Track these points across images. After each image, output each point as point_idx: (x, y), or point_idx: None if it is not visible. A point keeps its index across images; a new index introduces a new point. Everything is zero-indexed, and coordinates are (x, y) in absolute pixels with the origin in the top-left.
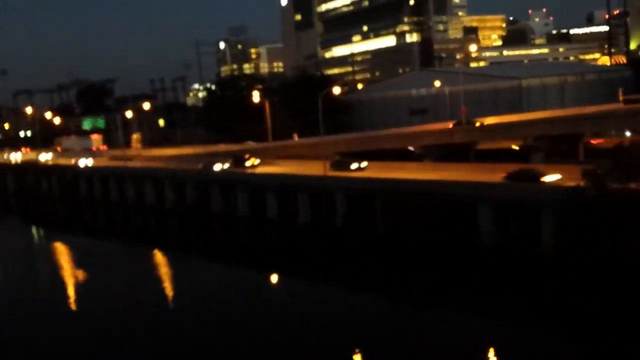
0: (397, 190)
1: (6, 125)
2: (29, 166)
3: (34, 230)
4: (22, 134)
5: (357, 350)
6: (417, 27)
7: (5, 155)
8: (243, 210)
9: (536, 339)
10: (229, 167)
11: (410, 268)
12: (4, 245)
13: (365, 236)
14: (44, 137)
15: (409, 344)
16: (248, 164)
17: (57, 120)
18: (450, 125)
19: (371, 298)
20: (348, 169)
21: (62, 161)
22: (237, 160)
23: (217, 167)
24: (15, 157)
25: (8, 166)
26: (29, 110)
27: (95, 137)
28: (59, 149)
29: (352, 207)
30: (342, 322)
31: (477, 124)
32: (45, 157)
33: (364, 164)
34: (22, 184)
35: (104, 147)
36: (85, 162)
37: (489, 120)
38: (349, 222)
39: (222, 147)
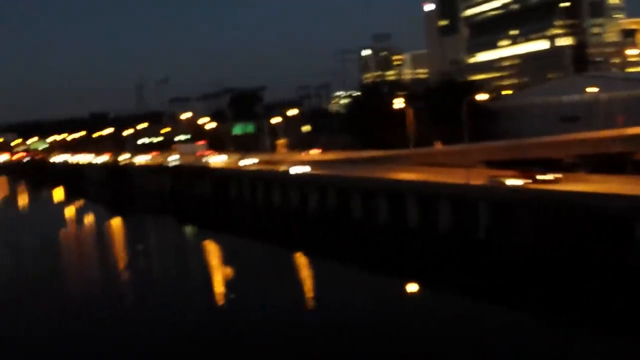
0: (544, 202)
1: (165, 130)
2: (185, 169)
3: (187, 228)
4: (178, 138)
5: None
6: (571, 30)
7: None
8: (382, 217)
9: None
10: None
11: (555, 285)
12: (159, 241)
13: (508, 248)
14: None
15: None
16: None
17: (210, 126)
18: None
19: (520, 316)
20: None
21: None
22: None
23: None
24: (173, 159)
25: (166, 168)
26: (185, 115)
27: (200, 144)
28: (174, 152)
29: (496, 217)
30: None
31: None
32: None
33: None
34: (177, 185)
35: (208, 152)
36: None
37: None
38: (492, 233)
39: (366, 154)
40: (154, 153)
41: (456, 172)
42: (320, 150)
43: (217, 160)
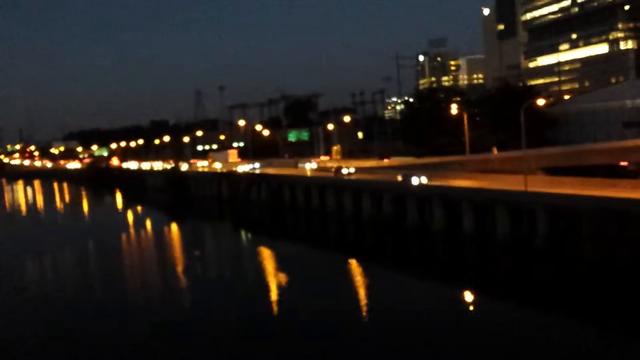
0: (605, 210)
1: (221, 137)
2: (239, 175)
3: (243, 234)
4: (235, 144)
5: None
6: (633, 33)
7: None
8: (438, 224)
9: None
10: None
11: (616, 295)
12: (214, 246)
13: (567, 259)
14: (254, 148)
15: None
16: None
17: (266, 133)
18: None
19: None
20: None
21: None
22: None
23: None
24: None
25: (222, 175)
26: (241, 122)
27: (231, 152)
28: (210, 160)
29: (555, 226)
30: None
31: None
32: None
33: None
34: (234, 191)
35: (238, 160)
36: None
37: None
38: (550, 243)
39: (421, 160)
40: (194, 161)
41: (511, 179)
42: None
43: (245, 168)
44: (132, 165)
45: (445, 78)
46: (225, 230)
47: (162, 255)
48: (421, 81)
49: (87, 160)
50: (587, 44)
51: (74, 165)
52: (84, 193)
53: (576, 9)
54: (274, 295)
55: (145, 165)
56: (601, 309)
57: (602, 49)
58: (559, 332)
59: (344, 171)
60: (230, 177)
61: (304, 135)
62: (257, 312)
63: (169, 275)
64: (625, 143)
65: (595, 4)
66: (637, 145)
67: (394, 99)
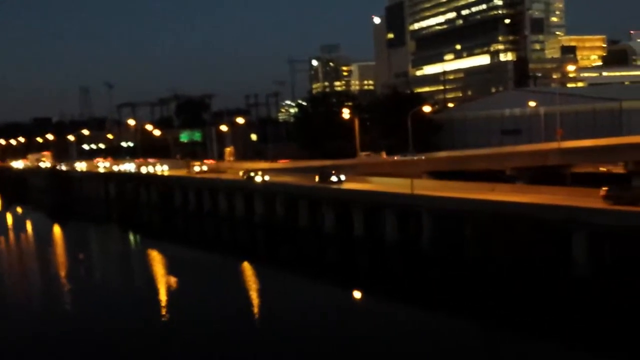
0: (485, 213)
1: (110, 136)
2: (129, 176)
3: (130, 236)
4: (124, 144)
5: None
6: (512, 46)
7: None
8: (329, 227)
9: None
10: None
11: (497, 294)
12: (101, 250)
13: (452, 259)
14: (144, 148)
15: None
16: (334, 179)
17: (157, 133)
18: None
19: (458, 323)
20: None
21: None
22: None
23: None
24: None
25: (111, 175)
26: (131, 122)
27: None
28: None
29: (440, 228)
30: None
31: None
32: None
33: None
34: (122, 193)
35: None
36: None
37: (586, 143)
38: (436, 245)
39: (314, 162)
40: (98, 159)
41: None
42: (286, 161)
43: (129, 167)
44: (18, 164)
45: (337, 83)
46: (112, 232)
47: (40, 259)
48: (314, 85)
49: None
50: (470, 54)
51: None
52: None
53: (460, 21)
54: (160, 299)
55: (18, 164)
56: (480, 307)
57: (484, 60)
58: (438, 329)
59: (258, 179)
60: (117, 177)
61: (197, 136)
62: (143, 317)
63: (47, 281)
64: (503, 149)
65: (478, 17)
66: (514, 152)
67: (288, 102)
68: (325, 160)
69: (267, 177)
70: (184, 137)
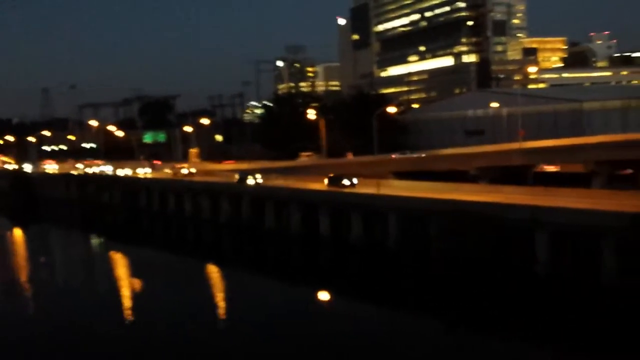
0: (450, 212)
1: (71, 137)
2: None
3: (94, 239)
4: (86, 145)
5: None
6: (475, 47)
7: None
8: (295, 227)
9: None
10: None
11: (462, 292)
12: (64, 252)
13: (417, 258)
14: (107, 150)
15: None
16: None
17: (120, 134)
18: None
19: (422, 322)
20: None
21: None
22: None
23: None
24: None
25: (72, 177)
26: (93, 123)
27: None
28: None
29: (405, 228)
30: (389, 344)
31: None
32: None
33: (355, 180)
34: (84, 194)
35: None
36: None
37: (548, 143)
38: (402, 244)
39: (278, 163)
40: (46, 161)
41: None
42: (233, 162)
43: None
44: None
45: (303, 84)
46: (75, 235)
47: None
48: (280, 86)
49: None
50: (434, 56)
51: None
52: None
53: (424, 23)
54: (125, 302)
55: None
56: (444, 304)
57: (447, 61)
58: (400, 327)
59: (250, 181)
60: (80, 179)
61: (161, 137)
62: (107, 320)
63: (5, 286)
64: (467, 150)
65: (442, 19)
66: (477, 153)
67: (253, 103)
68: (291, 161)
69: (260, 180)
70: (148, 138)
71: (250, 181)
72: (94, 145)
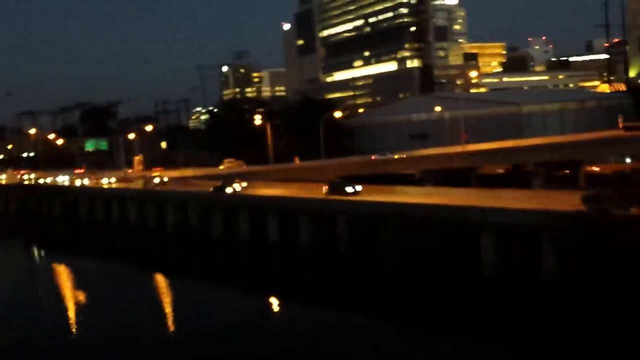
0: (396, 214)
1: (9, 146)
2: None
3: (34, 251)
4: (25, 154)
5: None
6: (418, 53)
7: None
8: (244, 234)
9: None
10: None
11: (413, 294)
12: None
13: (366, 260)
14: (47, 158)
15: None
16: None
17: (59, 142)
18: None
19: (376, 324)
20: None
21: None
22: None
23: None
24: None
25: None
26: (32, 131)
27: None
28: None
29: (355, 231)
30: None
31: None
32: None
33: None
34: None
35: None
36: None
37: (489, 146)
38: (352, 248)
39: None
40: None
41: (313, 187)
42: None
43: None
44: None
45: (248, 89)
46: (14, 247)
47: None
48: (225, 92)
49: None
50: (378, 61)
51: None
52: None
53: (368, 29)
54: (68, 314)
55: None
56: (393, 305)
57: (391, 66)
58: (348, 329)
59: (232, 189)
60: (18, 189)
61: (103, 144)
62: (50, 333)
63: None
64: (411, 153)
65: (385, 24)
66: (422, 156)
67: (199, 109)
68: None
69: (244, 184)
70: (90, 145)
71: (229, 190)
72: (32, 154)
